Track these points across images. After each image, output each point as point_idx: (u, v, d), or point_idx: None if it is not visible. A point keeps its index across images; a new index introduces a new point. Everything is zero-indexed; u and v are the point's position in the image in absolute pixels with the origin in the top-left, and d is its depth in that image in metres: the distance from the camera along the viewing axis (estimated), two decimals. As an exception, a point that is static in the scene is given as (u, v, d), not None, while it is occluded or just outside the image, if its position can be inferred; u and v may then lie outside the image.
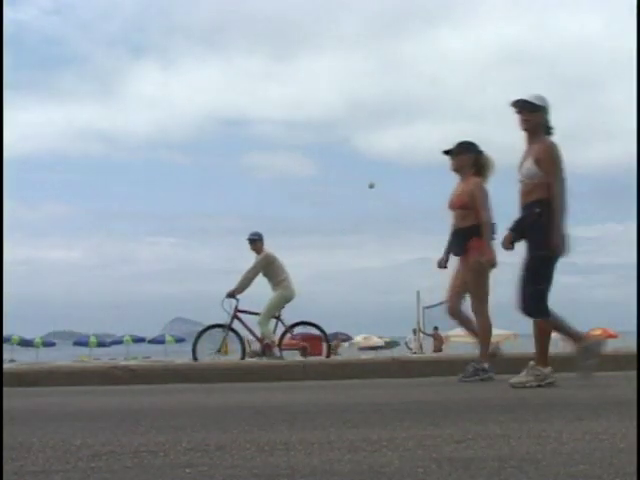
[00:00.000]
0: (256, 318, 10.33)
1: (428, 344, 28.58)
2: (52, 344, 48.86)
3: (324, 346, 11.36)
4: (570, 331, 5.48)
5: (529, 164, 5.39)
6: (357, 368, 7.15)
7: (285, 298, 10.32)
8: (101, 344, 46.59)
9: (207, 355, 10.39)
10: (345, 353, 31.46)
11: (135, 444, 2.65)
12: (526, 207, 5.39)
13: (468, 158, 6.40)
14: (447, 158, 6.50)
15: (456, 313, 6.38)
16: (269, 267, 10.30)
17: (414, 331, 29.72)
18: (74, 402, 5.02)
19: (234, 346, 10.33)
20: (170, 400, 5.04)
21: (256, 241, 10.45)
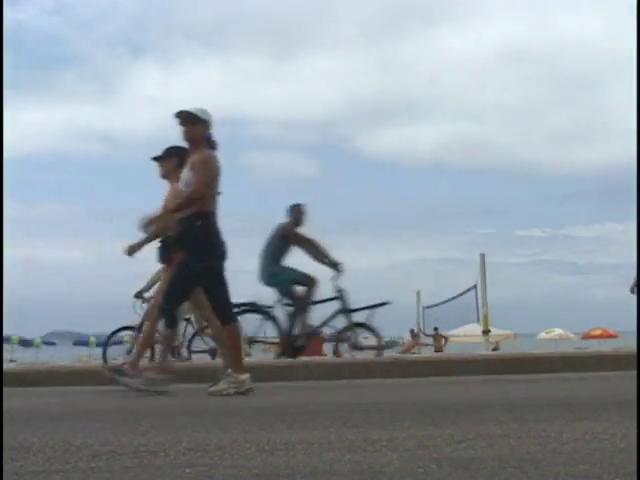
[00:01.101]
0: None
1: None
2: (52, 344, 48.85)
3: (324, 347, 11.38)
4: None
5: (187, 174, 5.48)
6: (357, 368, 7.14)
7: None
8: (101, 344, 46.53)
9: (118, 357, 10.47)
10: (345, 353, 31.42)
11: (135, 444, 2.65)
12: (185, 219, 5.44)
13: (174, 163, 6.17)
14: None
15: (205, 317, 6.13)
16: None
17: (411, 331, 29.71)
18: (74, 402, 5.02)
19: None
20: (170, 400, 5.04)
21: None
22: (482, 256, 15.01)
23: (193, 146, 5.53)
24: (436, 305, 26.15)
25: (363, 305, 9.23)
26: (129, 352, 10.30)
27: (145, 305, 10.30)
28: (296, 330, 8.93)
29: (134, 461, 2.31)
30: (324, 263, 9.11)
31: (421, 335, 27.79)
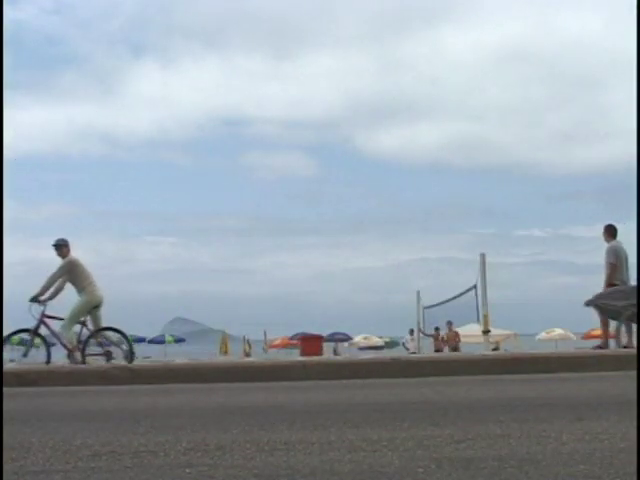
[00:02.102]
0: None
1: (427, 344, 28.56)
2: (52, 344, 48.85)
3: (322, 347, 11.44)
4: None
5: None
6: (357, 368, 7.14)
7: (89, 304, 10.48)
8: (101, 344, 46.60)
9: (14, 359, 10.59)
10: (345, 353, 31.48)
11: (135, 444, 2.65)
12: None
13: None
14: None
15: None
16: (71, 273, 10.44)
17: (411, 331, 29.74)
18: (74, 402, 5.02)
19: (43, 351, 10.50)
20: (170, 400, 5.04)
21: (61, 247, 10.58)
22: (482, 256, 15.00)
23: None
24: (436, 305, 26.15)
25: None
26: (25, 355, 10.61)
27: (41, 307, 10.45)
28: None
29: (134, 461, 2.31)
30: None
31: (421, 335, 27.78)
